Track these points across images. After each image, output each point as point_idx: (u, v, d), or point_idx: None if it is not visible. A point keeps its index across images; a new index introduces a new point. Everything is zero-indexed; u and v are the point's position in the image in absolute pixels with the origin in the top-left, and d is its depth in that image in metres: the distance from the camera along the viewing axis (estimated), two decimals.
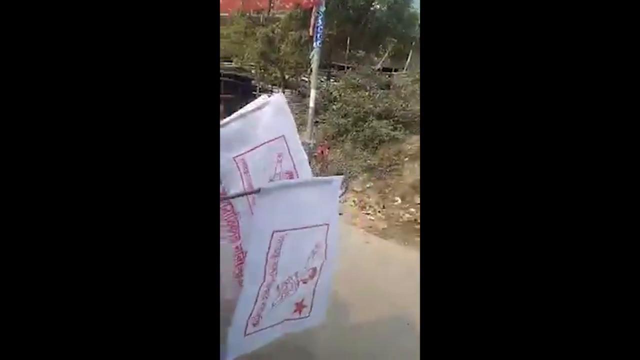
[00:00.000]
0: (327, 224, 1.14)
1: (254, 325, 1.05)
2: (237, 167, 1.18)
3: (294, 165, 1.27)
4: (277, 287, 1.06)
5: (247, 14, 7.28)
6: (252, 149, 1.20)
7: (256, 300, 1.01)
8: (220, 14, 8.28)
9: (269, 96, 1.30)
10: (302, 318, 1.21)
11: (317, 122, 5.64)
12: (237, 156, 1.18)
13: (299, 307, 1.19)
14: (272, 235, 0.97)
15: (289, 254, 1.03)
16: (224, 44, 7.51)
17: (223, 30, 7.51)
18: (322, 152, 4.77)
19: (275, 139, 1.24)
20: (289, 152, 1.26)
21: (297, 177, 1.29)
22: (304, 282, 1.16)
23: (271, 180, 1.21)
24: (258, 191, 0.93)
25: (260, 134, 1.22)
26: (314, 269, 1.16)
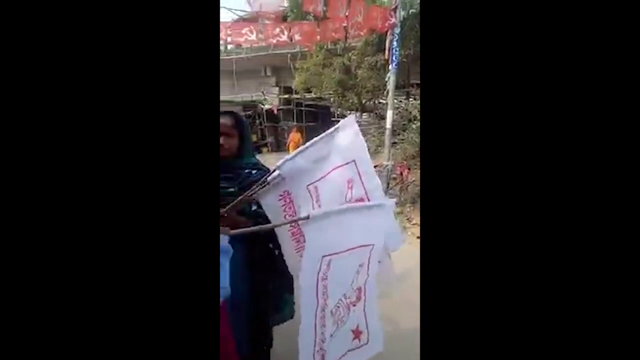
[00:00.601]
0: (373, 244, 1.10)
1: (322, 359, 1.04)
2: (310, 195, 1.20)
3: (366, 192, 1.22)
4: (331, 312, 1.04)
5: (325, 47, 7.73)
6: (322, 177, 1.20)
7: (315, 330, 1.00)
8: (302, 49, 9.02)
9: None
10: (362, 346, 1.17)
11: (395, 142, 5.52)
12: (309, 184, 1.20)
13: (357, 333, 1.16)
14: (321, 259, 0.97)
15: (336, 276, 1.02)
16: (304, 77, 8.08)
17: (303, 64, 8.11)
18: (401, 173, 4.61)
19: (346, 164, 1.22)
20: (360, 177, 1.22)
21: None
22: (354, 305, 1.13)
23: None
24: (307, 217, 0.93)
25: (331, 161, 1.22)
26: (360, 289, 1.13)
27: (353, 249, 1.04)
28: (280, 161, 1.17)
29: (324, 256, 0.97)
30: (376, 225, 1.08)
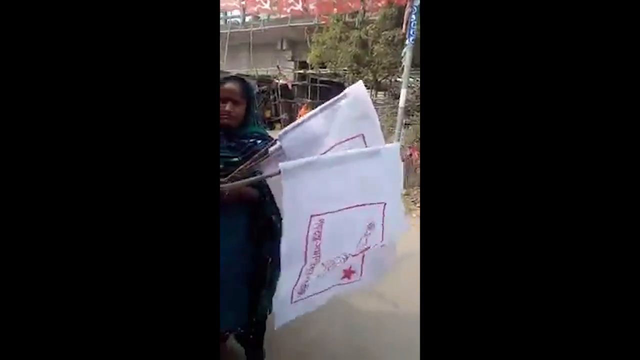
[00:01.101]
0: (384, 203, 0.98)
1: (300, 294, 1.02)
2: None
3: None
4: (322, 264, 0.99)
5: (342, 19, 7.45)
6: (325, 152, 1.10)
7: (299, 279, 0.96)
8: (319, 22, 8.71)
9: None
10: (352, 282, 1.13)
11: (408, 123, 5.39)
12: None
13: (347, 273, 1.11)
14: (310, 219, 0.88)
15: (334, 237, 0.93)
16: (319, 50, 7.86)
17: (319, 37, 7.87)
18: (410, 154, 4.51)
19: (352, 137, 1.11)
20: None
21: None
22: (354, 256, 1.06)
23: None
24: (279, 173, 0.84)
25: (336, 133, 1.11)
26: (367, 248, 1.05)
27: (355, 207, 0.95)
28: (281, 132, 1.13)
29: (312, 215, 0.88)
30: (380, 177, 0.96)
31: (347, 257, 1.05)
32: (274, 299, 0.98)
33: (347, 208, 0.94)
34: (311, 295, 1.05)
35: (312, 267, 0.97)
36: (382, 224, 1.02)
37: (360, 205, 0.96)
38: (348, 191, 0.94)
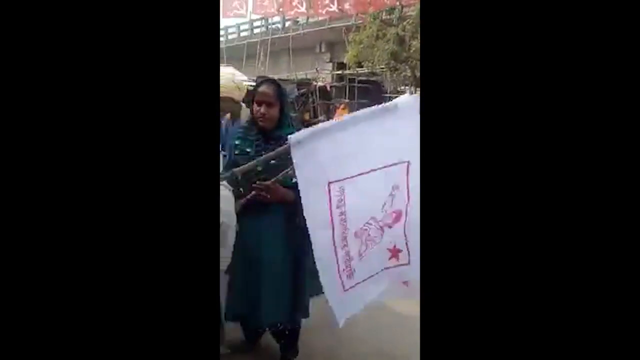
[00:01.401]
0: (407, 162, 0.92)
1: (349, 277, 0.97)
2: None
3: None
4: (355, 233, 0.94)
5: (379, 17, 7.34)
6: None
7: (336, 252, 0.92)
8: (357, 22, 8.61)
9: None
10: (402, 265, 1.05)
11: None
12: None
13: (394, 252, 1.03)
14: (329, 186, 0.85)
15: (358, 201, 0.90)
16: (356, 50, 7.79)
17: (356, 37, 7.80)
18: None
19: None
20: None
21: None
22: (389, 227, 0.99)
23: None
24: (288, 153, 0.83)
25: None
26: (399, 212, 0.99)
27: (377, 169, 0.91)
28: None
29: (330, 182, 0.86)
30: (402, 135, 0.89)
31: (382, 227, 0.99)
32: (325, 291, 0.94)
33: (367, 172, 0.90)
34: (362, 281, 1.01)
35: (345, 237, 0.93)
36: (407, 184, 0.97)
37: (381, 168, 0.92)
38: (366, 153, 0.90)
